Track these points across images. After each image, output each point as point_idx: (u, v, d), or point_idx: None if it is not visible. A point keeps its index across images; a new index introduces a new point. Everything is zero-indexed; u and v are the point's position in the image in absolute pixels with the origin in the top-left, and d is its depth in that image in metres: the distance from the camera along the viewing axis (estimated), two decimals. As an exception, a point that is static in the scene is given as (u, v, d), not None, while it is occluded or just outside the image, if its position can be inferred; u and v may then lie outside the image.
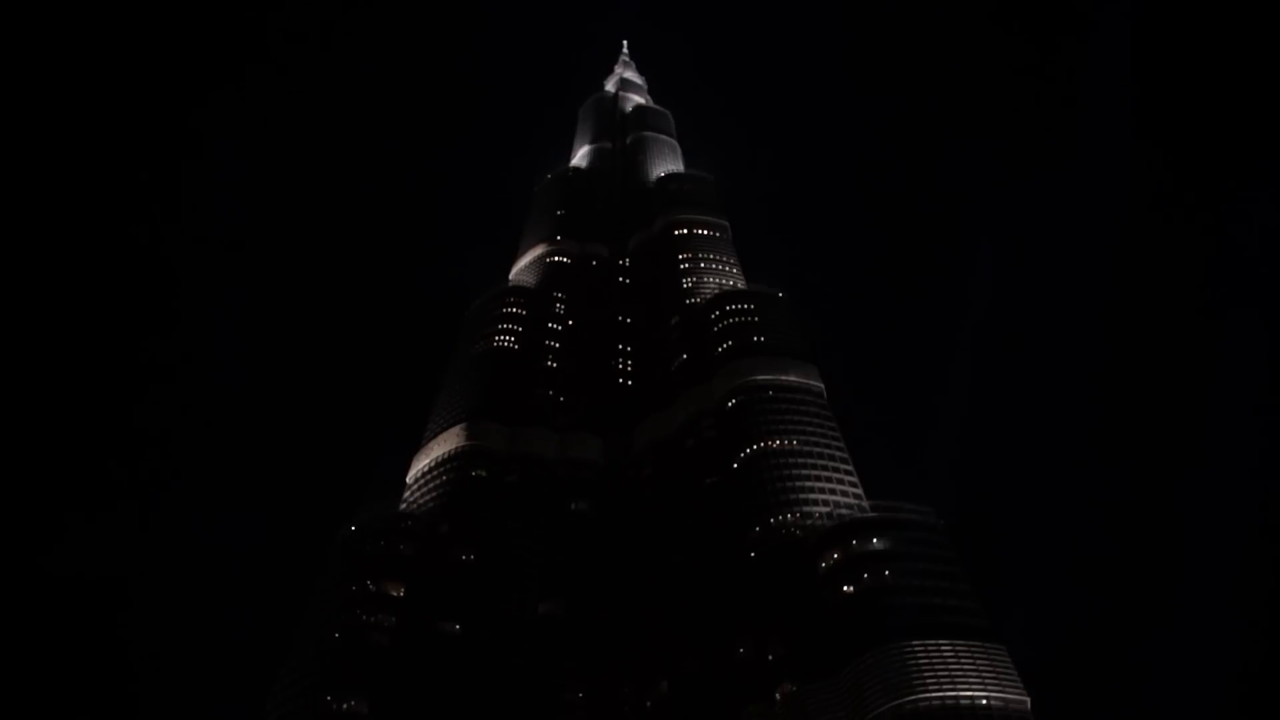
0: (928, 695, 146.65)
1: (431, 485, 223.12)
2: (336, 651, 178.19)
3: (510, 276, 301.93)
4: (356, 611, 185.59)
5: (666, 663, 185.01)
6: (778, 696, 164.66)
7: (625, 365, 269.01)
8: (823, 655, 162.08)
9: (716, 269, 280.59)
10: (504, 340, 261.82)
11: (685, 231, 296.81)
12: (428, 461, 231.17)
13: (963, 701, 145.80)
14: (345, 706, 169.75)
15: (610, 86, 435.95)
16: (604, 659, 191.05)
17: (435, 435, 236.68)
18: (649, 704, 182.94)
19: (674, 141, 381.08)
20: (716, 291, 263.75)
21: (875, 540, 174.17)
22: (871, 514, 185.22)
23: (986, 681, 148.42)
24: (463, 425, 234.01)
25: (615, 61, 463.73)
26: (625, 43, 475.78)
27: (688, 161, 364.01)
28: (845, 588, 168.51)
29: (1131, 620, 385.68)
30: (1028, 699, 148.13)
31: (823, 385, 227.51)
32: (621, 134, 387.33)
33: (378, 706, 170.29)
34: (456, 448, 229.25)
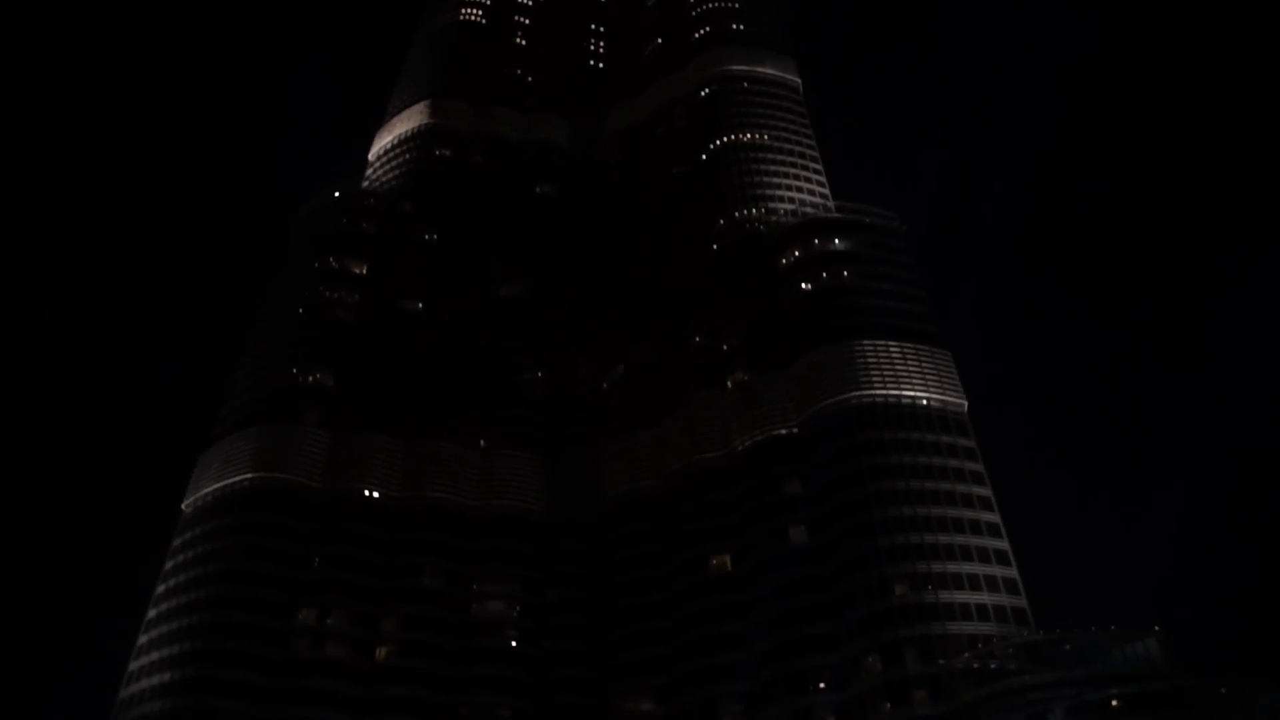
0: (872, 392, 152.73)
1: (394, 163, 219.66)
2: (301, 327, 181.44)
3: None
4: (320, 288, 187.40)
5: (624, 347, 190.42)
6: (729, 384, 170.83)
7: (597, 46, 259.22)
8: (775, 348, 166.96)
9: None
10: (471, 13, 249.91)
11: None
12: (390, 139, 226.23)
13: (904, 400, 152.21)
14: (310, 379, 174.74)
15: None
16: (563, 341, 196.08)
17: (399, 111, 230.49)
18: (605, 386, 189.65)
19: None
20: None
21: (837, 240, 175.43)
22: (835, 214, 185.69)
23: (929, 383, 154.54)
24: (427, 102, 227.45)
25: None
26: None
27: None
28: (803, 285, 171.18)
29: (1070, 337, 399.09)
30: (965, 402, 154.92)
31: (799, 80, 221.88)
32: None
33: (342, 380, 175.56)
34: (420, 125, 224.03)
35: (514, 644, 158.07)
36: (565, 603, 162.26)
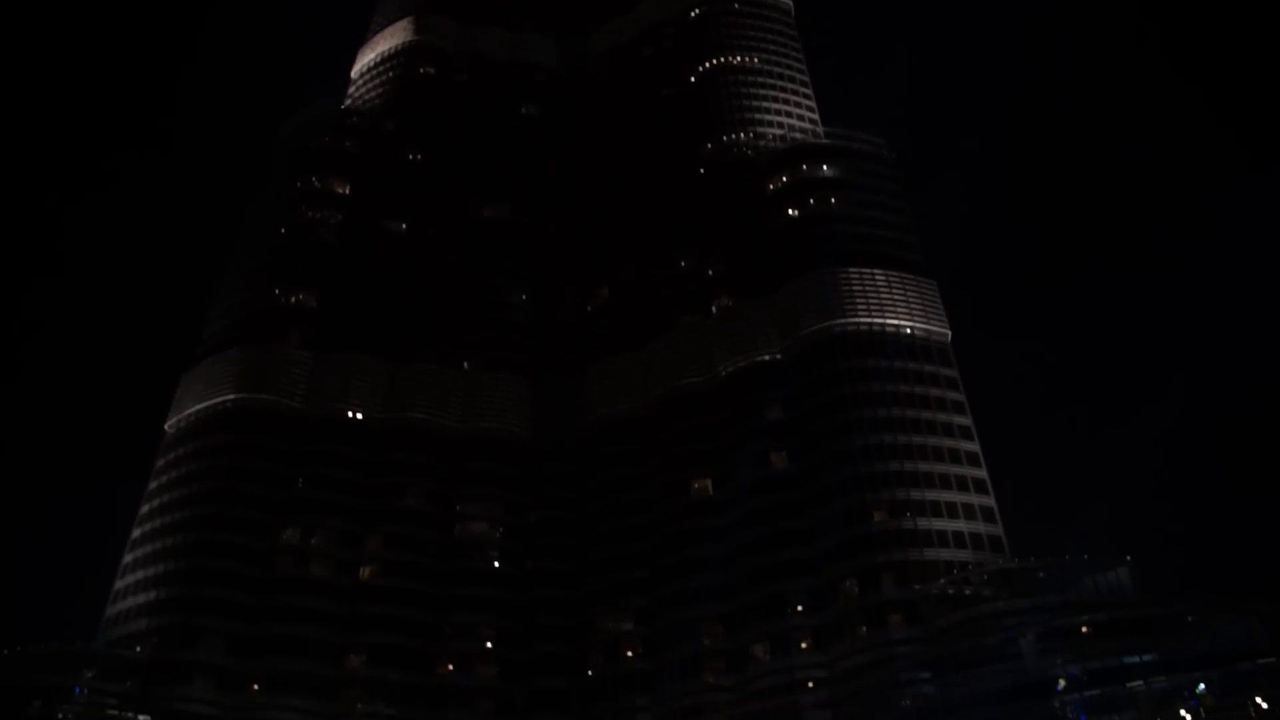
0: (856, 320, 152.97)
1: (377, 81, 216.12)
2: (283, 247, 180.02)
3: None
4: (302, 208, 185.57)
5: (609, 271, 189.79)
6: (714, 309, 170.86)
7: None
8: (761, 274, 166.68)
9: None
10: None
11: None
12: (373, 56, 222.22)
13: (888, 329, 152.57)
14: (293, 300, 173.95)
15: None
16: (548, 264, 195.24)
17: (382, 28, 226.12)
18: (590, 309, 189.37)
19: None
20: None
21: (825, 167, 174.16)
22: (824, 140, 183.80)
23: (913, 312, 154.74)
24: (410, 19, 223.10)
25: None
26: None
27: None
28: (790, 211, 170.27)
29: (1058, 270, 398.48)
30: (949, 332, 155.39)
31: (791, 2, 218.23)
32: None
33: (325, 301, 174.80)
34: (404, 43, 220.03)
35: (496, 565, 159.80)
36: (547, 524, 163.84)
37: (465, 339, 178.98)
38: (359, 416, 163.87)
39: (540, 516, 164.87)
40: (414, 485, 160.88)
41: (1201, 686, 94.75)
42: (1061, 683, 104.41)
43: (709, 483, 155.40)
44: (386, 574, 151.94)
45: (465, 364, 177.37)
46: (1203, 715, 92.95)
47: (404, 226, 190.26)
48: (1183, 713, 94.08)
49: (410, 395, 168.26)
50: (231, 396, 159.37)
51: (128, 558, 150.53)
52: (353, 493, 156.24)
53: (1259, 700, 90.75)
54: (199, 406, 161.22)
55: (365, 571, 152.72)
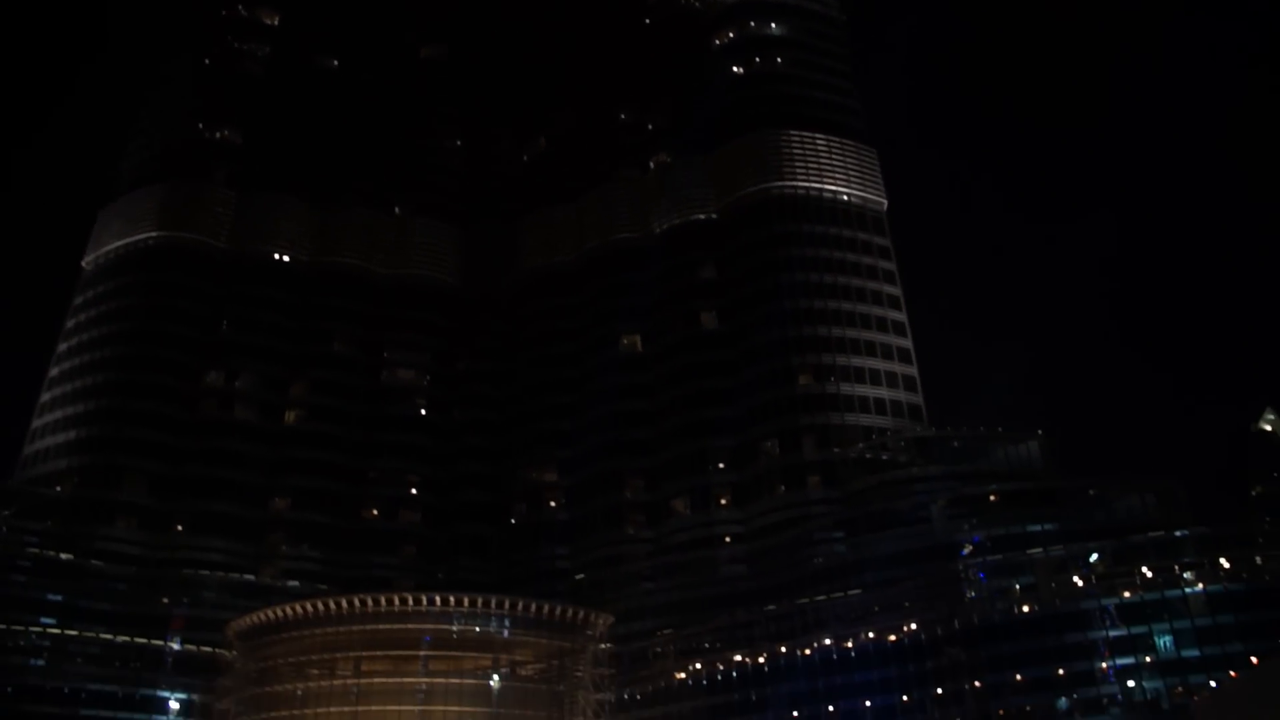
0: (794, 183, 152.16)
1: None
2: (207, 79, 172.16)
3: None
4: (228, 38, 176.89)
5: (547, 119, 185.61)
6: (652, 165, 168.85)
7: None
8: (702, 131, 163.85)
9: None
10: None
11: None
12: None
13: (825, 194, 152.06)
14: (218, 136, 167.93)
15: None
16: (484, 109, 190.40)
17: None
18: (526, 158, 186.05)
19: None
20: None
21: (774, 24, 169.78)
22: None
23: (851, 178, 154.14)
24: None
25: None
26: None
27: None
28: (735, 68, 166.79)
29: (992, 142, 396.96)
30: (885, 200, 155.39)
31: None
32: None
33: (251, 138, 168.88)
34: None
35: (423, 412, 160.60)
36: (475, 374, 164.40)
37: (397, 184, 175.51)
38: (286, 259, 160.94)
39: (468, 366, 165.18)
40: (341, 331, 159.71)
41: (1094, 556, 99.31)
42: (967, 548, 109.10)
43: (638, 339, 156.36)
44: (312, 418, 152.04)
45: (396, 209, 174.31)
46: (1093, 581, 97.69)
47: (336, 63, 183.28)
48: (1075, 579, 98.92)
49: (339, 239, 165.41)
50: (153, 234, 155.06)
51: (45, 396, 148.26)
52: (279, 336, 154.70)
53: (1145, 570, 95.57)
54: (119, 244, 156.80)
55: (290, 415, 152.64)
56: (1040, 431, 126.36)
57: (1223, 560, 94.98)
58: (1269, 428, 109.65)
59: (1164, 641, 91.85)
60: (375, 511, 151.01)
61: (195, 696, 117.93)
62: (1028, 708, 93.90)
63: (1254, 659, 67.26)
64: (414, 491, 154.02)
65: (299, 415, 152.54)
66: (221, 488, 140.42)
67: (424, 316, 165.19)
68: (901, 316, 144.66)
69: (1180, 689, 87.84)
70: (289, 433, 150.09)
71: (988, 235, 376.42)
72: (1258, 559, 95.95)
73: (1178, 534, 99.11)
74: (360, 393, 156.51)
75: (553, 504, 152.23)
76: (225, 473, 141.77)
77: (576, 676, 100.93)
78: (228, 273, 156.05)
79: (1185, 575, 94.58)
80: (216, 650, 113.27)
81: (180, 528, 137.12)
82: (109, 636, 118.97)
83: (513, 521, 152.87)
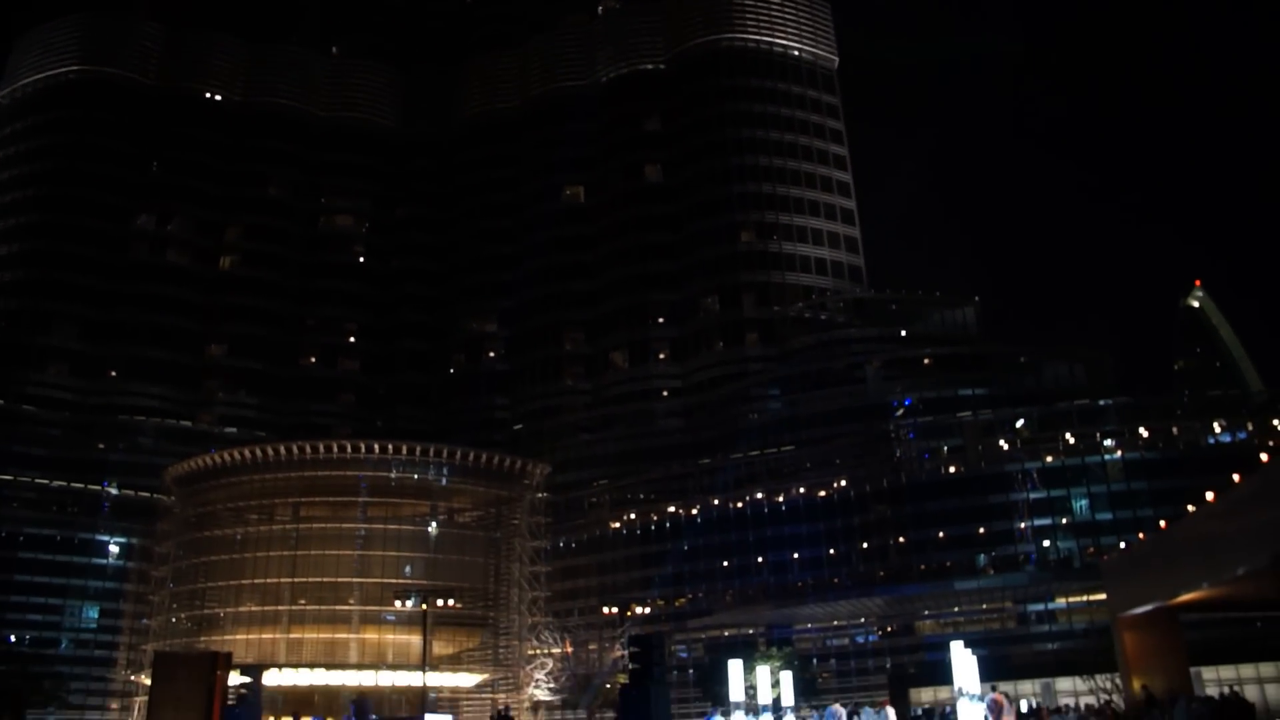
0: (745, 36, 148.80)
1: None
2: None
3: None
4: None
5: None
6: (600, 9, 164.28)
7: None
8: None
9: None
10: None
11: None
12: None
13: (776, 49, 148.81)
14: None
15: None
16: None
17: None
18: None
19: None
20: None
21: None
22: None
23: (804, 34, 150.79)
24: None
25: None
26: None
27: None
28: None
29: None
30: (836, 58, 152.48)
31: None
32: None
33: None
34: None
35: (361, 260, 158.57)
36: (415, 222, 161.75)
37: (335, 22, 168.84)
38: (218, 99, 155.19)
39: (407, 213, 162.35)
40: (276, 174, 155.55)
41: (1021, 421, 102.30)
42: (899, 409, 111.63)
43: (581, 190, 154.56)
44: (247, 264, 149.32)
45: (334, 49, 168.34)
46: (1018, 445, 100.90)
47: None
48: (1001, 442, 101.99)
49: (274, 79, 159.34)
50: (75, 68, 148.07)
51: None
52: (211, 179, 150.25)
53: (1068, 436, 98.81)
54: (37, 77, 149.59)
55: (225, 261, 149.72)
56: (976, 298, 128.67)
57: (1142, 430, 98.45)
58: (1197, 304, 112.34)
59: (1080, 505, 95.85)
60: (313, 359, 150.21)
61: (134, 540, 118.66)
62: (948, 563, 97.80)
63: (1162, 523, 70.32)
64: (352, 340, 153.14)
65: (234, 261, 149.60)
66: (155, 333, 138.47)
67: (362, 161, 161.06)
68: (847, 177, 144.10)
69: (1092, 549, 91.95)
70: (224, 278, 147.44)
71: (935, 97, 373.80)
72: (1174, 430, 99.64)
73: (1102, 403, 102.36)
74: (297, 239, 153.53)
75: (492, 354, 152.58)
76: (158, 318, 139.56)
77: (513, 524, 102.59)
78: (156, 111, 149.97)
79: (1106, 443, 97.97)
80: (155, 495, 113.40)
81: (114, 374, 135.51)
82: (45, 481, 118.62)
83: (451, 371, 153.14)
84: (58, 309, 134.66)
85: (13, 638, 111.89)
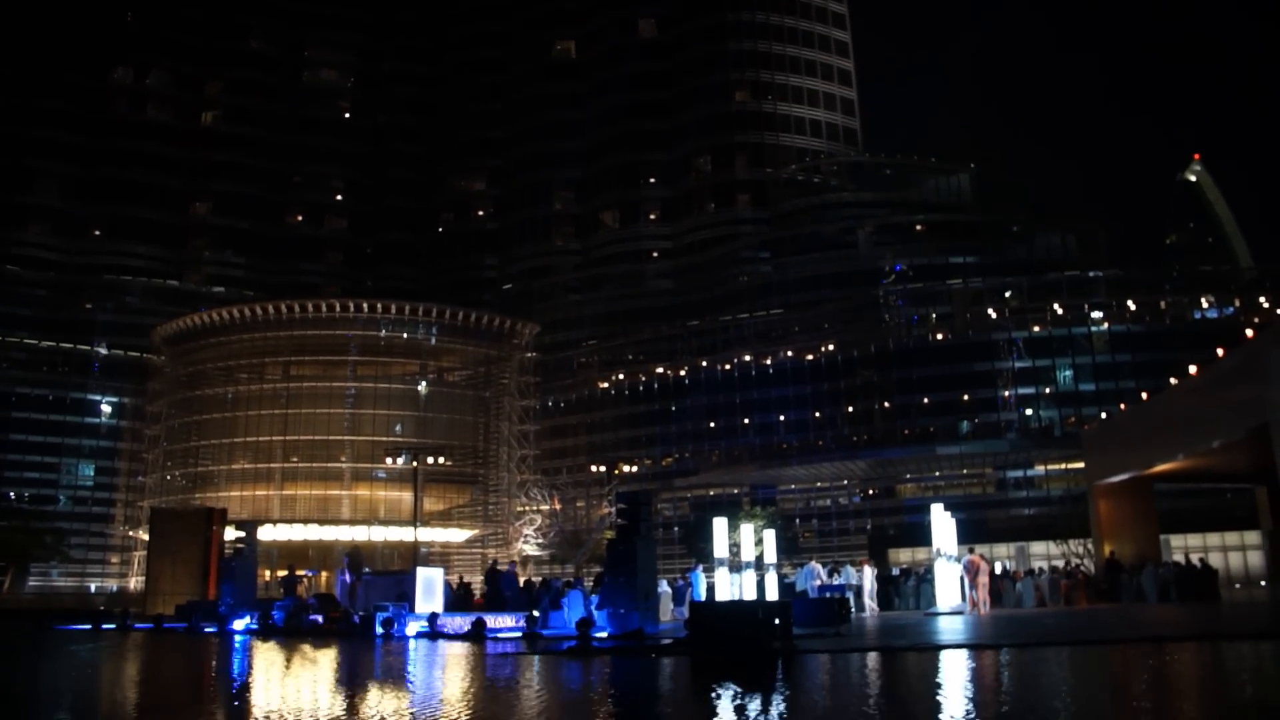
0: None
1: None
2: None
3: None
4: None
5: None
6: None
7: None
8: None
9: None
10: None
11: None
12: None
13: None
14: None
15: None
16: None
17: None
18: None
19: None
20: None
21: None
22: None
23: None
24: None
25: None
26: None
27: None
28: None
29: None
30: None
31: None
32: None
33: None
34: None
35: (347, 116, 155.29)
36: (401, 77, 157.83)
37: None
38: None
39: (394, 68, 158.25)
40: (259, 26, 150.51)
41: (1010, 291, 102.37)
42: (889, 275, 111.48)
43: (572, 45, 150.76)
44: (231, 120, 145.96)
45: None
46: (1006, 314, 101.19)
47: None
48: (989, 311, 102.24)
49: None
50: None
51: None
52: (190, 31, 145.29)
53: (1056, 306, 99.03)
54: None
55: (208, 117, 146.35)
56: (972, 165, 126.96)
57: (1130, 302, 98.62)
58: (1194, 178, 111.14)
59: (1064, 375, 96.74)
60: (300, 217, 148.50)
61: (126, 400, 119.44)
62: (931, 428, 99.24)
63: (1144, 395, 71.12)
64: (339, 198, 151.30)
65: (216, 117, 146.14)
66: (138, 192, 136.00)
67: (347, 13, 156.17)
68: (845, 36, 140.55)
69: (1073, 419, 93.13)
70: (207, 134, 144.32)
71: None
72: (1162, 303, 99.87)
73: (1091, 274, 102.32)
74: (281, 94, 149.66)
75: (481, 213, 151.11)
76: (141, 176, 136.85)
77: (502, 383, 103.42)
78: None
79: (1094, 314, 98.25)
80: (144, 355, 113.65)
81: (98, 233, 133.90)
82: (34, 341, 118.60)
83: (440, 230, 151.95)
84: (37, 166, 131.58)
85: (12, 495, 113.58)
